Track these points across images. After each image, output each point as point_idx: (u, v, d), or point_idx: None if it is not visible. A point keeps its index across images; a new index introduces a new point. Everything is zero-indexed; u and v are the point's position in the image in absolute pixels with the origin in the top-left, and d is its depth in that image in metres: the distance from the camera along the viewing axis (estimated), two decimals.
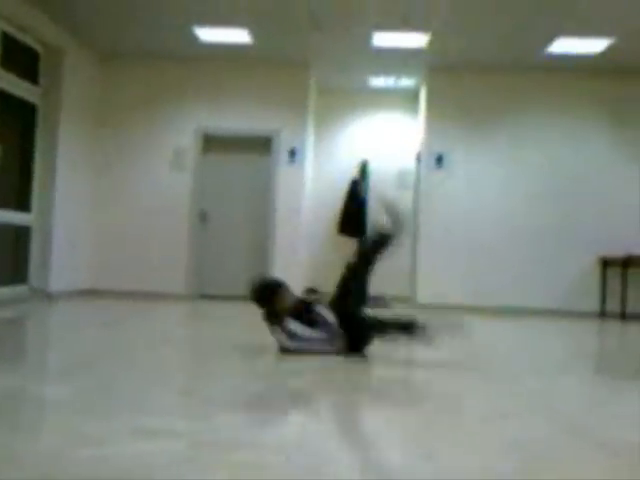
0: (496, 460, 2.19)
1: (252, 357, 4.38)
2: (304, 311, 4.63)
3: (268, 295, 4.71)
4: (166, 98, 9.50)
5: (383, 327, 4.66)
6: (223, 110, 9.47)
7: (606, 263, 9.08)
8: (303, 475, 1.97)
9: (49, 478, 1.83)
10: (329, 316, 4.57)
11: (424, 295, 9.25)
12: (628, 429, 2.70)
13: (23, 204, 8.07)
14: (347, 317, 4.60)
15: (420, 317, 4.81)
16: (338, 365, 4.14)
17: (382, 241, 4.80)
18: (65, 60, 8.39)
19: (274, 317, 4.64)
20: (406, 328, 4.62)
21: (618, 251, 9.06)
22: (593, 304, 9.16)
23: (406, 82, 10.11)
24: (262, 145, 9.49)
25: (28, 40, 7.91)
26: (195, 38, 8.50)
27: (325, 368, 4.03)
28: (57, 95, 8.32)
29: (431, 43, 8.28)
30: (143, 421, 2.49)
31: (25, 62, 7.99)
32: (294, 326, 4.54)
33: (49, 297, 8.18)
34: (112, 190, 9.46)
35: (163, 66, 9.48)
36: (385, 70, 9.57)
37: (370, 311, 4.79)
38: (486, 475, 2.03)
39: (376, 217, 4.95)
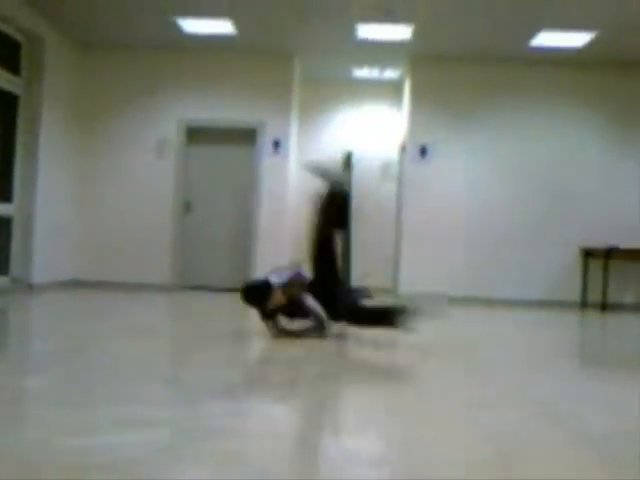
0: (473, 449, 2.22)
1: (236, 346, 4.39)
2: (294, 306, 4.97)
3: (259, 297, 4.98)
4: (150, 89, 9.44)
5: (374, 315, 4.93)
6: (207, 101, 9.42)
7: (588, 254, 9.16)
8: (287, 463, 1.98)
9: (33, 467, 1.83)
10: (317, 307, 4.82)
11: (406, 286, 9.28)
12: (606, 419, 2.74)
13: (5, 194, 8.00)
14: (325, 286, 5.03)
15: (407, 301, 5.04)
16: (322, 352, 4.15)
17: (332, 196, 5.35)
18: (47, 50, 8.31)
19: (267, 315, 5.07)
20: (396, 314, 4.76)
21: (600, 243, 9.14)
22: (575, 295, 9.24)
23: (390, 73, 10.12)
24: (246, 136, 9.46)
25: (9, 30, 7.83)
26: (178, 29, 8.45)
27: (309, 356, 4.04)
28: (39, 86, 8.25)
29: (415, 35, 8.29)
30: (126, 411, 2.49)
31: (6, 52, 7.91)
32: (285, 322, 5.08)
33: (31, 288, 8.13)
34: (95, 181, 9.40)
35: (147, 57, 9.41)
36: (369, 61, 9.57)
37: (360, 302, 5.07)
38: (463, 464, 2.05)
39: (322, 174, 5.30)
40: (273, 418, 2.52)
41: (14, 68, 8.05)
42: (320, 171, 5.37)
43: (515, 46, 8.61)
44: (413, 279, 9.27)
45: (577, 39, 8.19)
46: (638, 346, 5.45)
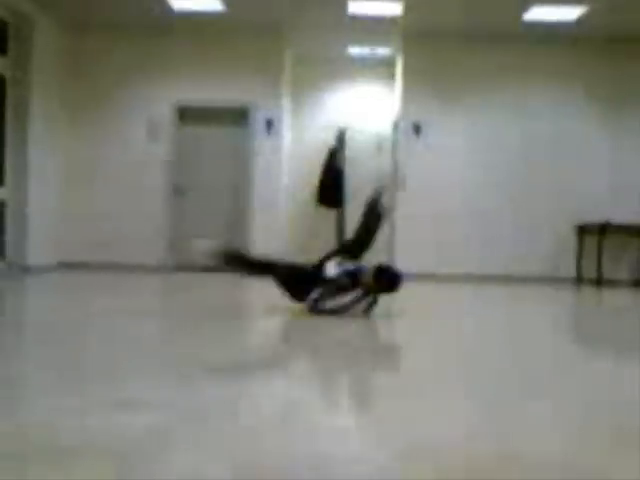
0: (470, 427, 2.22)
1: (233, 326, 4.38)
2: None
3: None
4: (140, 69, 9.35)
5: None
6: (198, 81, 9.35)
7: (583, 230, 9.17)
8: (287, 446, 1.98)
9: (30, 450, 1.82)
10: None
11: (402, 263, 9.28)
12: (597, 394, 2.75)
13: None
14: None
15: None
16: (325, 328, 4.15)
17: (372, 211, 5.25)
18: (35, 30, 8.21)
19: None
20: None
21: (595, 218, 9.15)
22: (570, 270, 9.27)
23: (383, 51, 10.05)
24: (239, 116, 9.40)
25: None
26: (168, 7, 8.36)
27: (312, 332, 4.04)
28: (27, 66, 8.16)
29: (406, 11, 8.22)
30: (121, 393, 2.49)
31: None
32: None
33: (26, 271, 8.10)
34: (87, 163, 9.34)
35: (137, 37, 9.32)
36: (361, 39, 9.50)
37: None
38: (462, 437, 2.05)
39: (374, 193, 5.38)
40: (271, 397, 2.51)
41: (1, 49, 7.95)
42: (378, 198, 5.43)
43: (508, 22, 8.55)
44: (408, 256, 9.27)
45: (569, 13, 8.14)
46: (631, 322, 5.46)
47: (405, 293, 6.71)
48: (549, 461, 1.86)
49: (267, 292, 6.39)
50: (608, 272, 9.15)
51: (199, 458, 1.81)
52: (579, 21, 8.36)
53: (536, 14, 8.20)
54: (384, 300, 5.35)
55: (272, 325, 4.49)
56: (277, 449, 1.91)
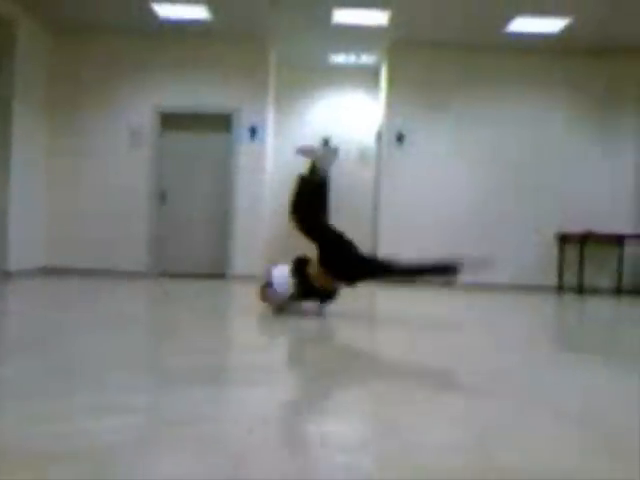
0: (457, 431, 2.22)
1: (214, 332, 4.36)
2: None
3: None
4: (123, 75, 9.32)
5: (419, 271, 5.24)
6: (182, 87, 9.33)
7: (564, 239, 9.23)
8: (266, 448, 1.96)
9: (6, 454, 1.80)
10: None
11: None
12: (581, 402, 2.76)
13: None
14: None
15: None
16: (307, 334, 4.14)
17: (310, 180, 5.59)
18: (18, 34, 8.16)
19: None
20: (446, 269, 5.11)
21: (576, 227, 9.22)
22: (551, 279, 9.33)
23: (367, 59, 10.09)
24: (222, 123, 9.39)
25: None
26: (153, 14, 8.34)
27: (294, 337, 4.02)
28: (9, 70, 8.10)
29: (392, 20, 8.26)
30: (101, 398, 2.46)
31: None
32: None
33: (7, 275, 8.02)
34: (70, 167, 9.28)
35: (120, 42, 9.28)
36: (346, 47, 9.53)
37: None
38: (446, 445, 2.05)
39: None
40: (252, 403, 2.50)
41: None
42: (312, 153, 5.60)
43: (491, 32, 8.61)
44: None
45: (551, 25, 8.22)
46: (612, 330, 5.50)
47: (384, 300, 6.71)
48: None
49: (247, 296, 6.36)
50: (589, 280, 9.22)
51: (180, 461, 1.79)
52: (563, 32, 8.44)
53: (520, 25, 8.27)
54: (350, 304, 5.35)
55: (256, 329, 4.46)
56: (260, 454, 1.90)
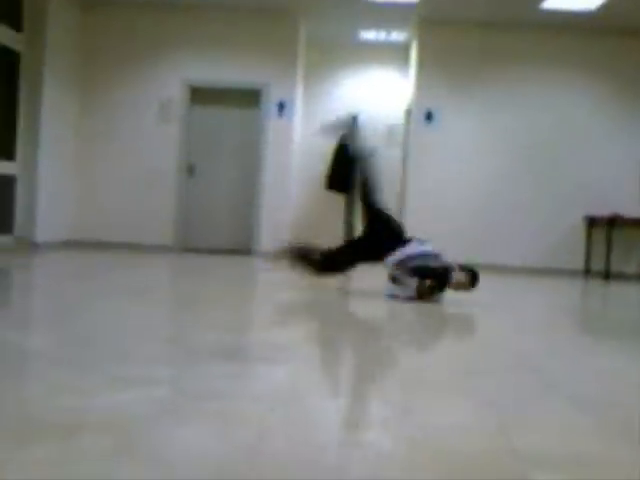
0: (473, 416, 2.22)
1: (237, 308, 4.39)
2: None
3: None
4: (154, 48, 9.32)
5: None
6: (211, 61, 9.31)
7: (592, 222, 9.12)
8: (286, 426, 1.98)
9: (32, 426, 1.84)
10: None
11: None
12: (599, 386, 2.74)
13: (7, 153, 7.97)
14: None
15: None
16: (328, 311, 4.15)
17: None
18: (49, 6, 8.19)
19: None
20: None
21: (604, 210, 9.09)
22: (578, 263, 9.23)
23: (397, 36, 9.97)
24: (251, 98, 9.37)
25: None
26: None
27: (314, 316, 4.04)
28: (41, 43, 8.15)
29: None
30: (126, 370, 2.50)
31: (7, 8, 7.79)
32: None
33: (35, 247, 8.14)
34: (98, 141, 9.34)
35: (151, 15, 9.28)
36: (376, 24, 9.42)
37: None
38: (463, 427, 2.05)
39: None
40: (274, 381, 2.52)
41: (16, 25, 7.95)
42: (333, 129, 5.64)
43: (525, 9, 8.45)
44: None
45: (589, 2, 8.01)
46: (637, 316, 5.45)
47: None
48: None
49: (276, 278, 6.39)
50: (616, 265, 9.10)
51: (201, 434, 1.81)
52: (599, 10, 8.24)
53: (554, 2, 8.09)
54: None
55: (274, 307, 4.48)
56: (280, 430, 1.92)
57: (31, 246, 8.11)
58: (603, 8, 8.17)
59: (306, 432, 1.93)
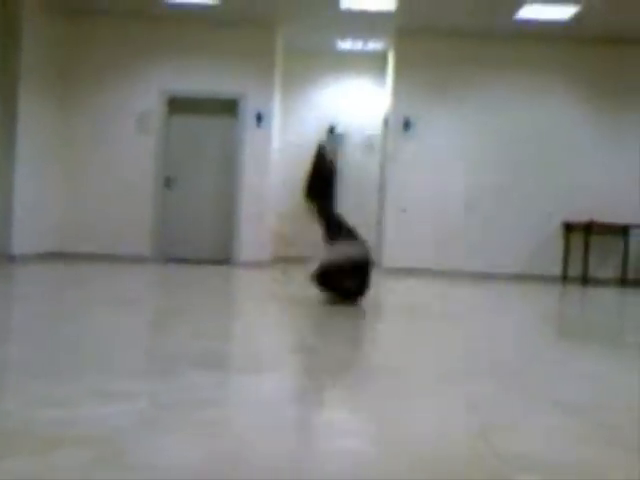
0: (454, 421, 2.22)
1: (217, 318, 4.37)
2: None
3: None
4: (132, 58, 9.28)
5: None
6: (189, 72, 9.30)
7: (569, 228, 9.20)
8: (268, 432, 1.97)
9: (10, 438, 1.81)
10: None
11: (390, 260, 9.30)
12: (583, 390, 2.76)
13: None
14: None
15: None
16: (308, 320, 4.14)
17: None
18: (24, 15, 8.11)
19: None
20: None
21: (581, 216, 9.19)
22: (556, 269, 9.31)
23: (374, 45, 10.03)
24: (229, 108, 9.36)
25: None
26: None
27: (292, 322, 4.03)
28: (17, 53, 8.07)
29: (399, 6, 8.20)
30: (106, 382, 2.47)
31: None
32: None
33: (11, 259, 8.04)
34: (76, 152, 9.27)
35: (129, 25, 9.25)
36: (353, 33, 9.47)
37: None
38: (446, 433, 2.05)
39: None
40: (253, 389, 2.50)
41: None
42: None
43: (500, 19, 8.54)
44: (396, 253, 9.28)
45: (561, 12, 8.14)
46: (616, 320, 5.50)
47: (387, 289, 6.72)
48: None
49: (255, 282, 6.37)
50: (594, 271, 9.20)
51: (182, 446, 1.80)
52: (572, 20, 8.36)
53: (529, 12, 8.19)
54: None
55: (253, 315, 4.46)
56: (263, 439, 1.91)
57: (7, 258, 8.02)
58: (576, 19, 8.29)
59: (287, 440, 1.91)
